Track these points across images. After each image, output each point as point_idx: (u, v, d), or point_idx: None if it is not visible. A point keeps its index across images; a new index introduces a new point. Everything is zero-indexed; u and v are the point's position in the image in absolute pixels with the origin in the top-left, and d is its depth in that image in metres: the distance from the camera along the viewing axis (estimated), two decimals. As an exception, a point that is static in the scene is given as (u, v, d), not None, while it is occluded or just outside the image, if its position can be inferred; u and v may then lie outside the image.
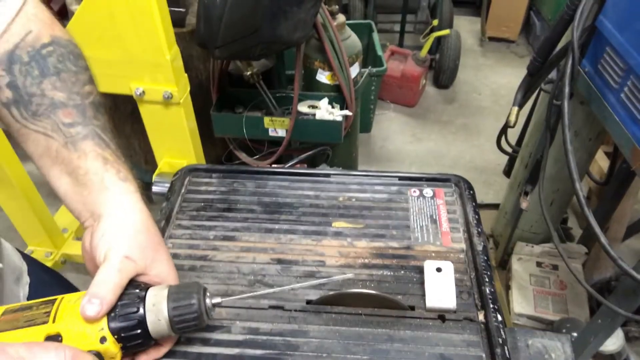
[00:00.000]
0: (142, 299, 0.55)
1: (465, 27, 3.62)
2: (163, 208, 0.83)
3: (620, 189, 1.53)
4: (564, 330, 1.51)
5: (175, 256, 0.76)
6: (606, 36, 1.11)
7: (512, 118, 1.41)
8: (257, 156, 1.91)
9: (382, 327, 0.65)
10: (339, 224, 0.80)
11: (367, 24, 2.54)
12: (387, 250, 0.76)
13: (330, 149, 1.86)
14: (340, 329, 0.65)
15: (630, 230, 1.68)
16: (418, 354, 0.62)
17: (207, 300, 0.58)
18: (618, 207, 1.56)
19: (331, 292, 0.68)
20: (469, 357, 0.62)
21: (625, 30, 1.05)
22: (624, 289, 1.13)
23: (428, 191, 0.86)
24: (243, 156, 1.91)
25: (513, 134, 1.76)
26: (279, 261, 0.75)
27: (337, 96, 1.76)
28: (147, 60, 1.36)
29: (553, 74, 1.41)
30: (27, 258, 0.83)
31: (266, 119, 1.73)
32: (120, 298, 0.55)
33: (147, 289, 0.57)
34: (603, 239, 1.01)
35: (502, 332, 0.63)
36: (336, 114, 1.72)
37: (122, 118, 1.92)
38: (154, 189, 1.40)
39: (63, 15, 1.91)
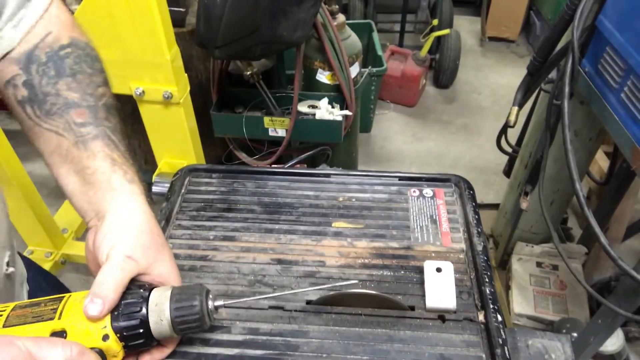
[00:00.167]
0: (146, 299, 0.56)
1: (465, 27, 3.62)
2: (163, 208, 0.83)
3: (620, 189, 1.53)
4: (564, 331, 1.51)
5: (175, 256, 0.75)
6: (606, 36, 1.11)
7: (512, 118, 1.41)
8: (257, 156, 1.91)
9: (382, 327, 0.65)
10: (339, 224, 0.80)
11: (367, 23, 2.54)
12: (387, 250, 0.76)
13: (330, 149, 1.86)
14: (340, 329, 0.65)
15: (630, 230, 1.68)
16: (418, 354, 0.62)
17: (210, 303, 0.58)
18: (618, 207, 1.55)
19: (331, 293, 0.68)
20: (469, 358, 0.62)
21: (625, 30, 1.05)
22: (624, 289, 1.13)
23: (428, 191, 0.86)
24: (243, 156, 1.91)
25: (513, 134, 1.76)
26: (279, 261, 0.75)
27: (337, 96, 1.76)
28: (147, 60, 1.37)
29: (553, 74, 1.41)
30: (26, 263, 0.83)
31: (266, 119, 1.73)
32: (124, 297, 0.55)
33: (151, 289, 0.57)
34: (603, 239, 1.01)
35: (502, 333, 0.63)
36: (336, 114, 1.72)
37: (122, 118, 1.92)
38: (154, 189, 1.40)
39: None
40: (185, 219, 0.82)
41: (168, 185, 0.89)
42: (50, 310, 0.54)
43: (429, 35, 2.88)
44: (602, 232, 1.02)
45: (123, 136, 0.65)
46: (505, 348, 0.62)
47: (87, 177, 0.60)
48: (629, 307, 1.10)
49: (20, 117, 0.63)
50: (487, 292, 0.68)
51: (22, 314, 0.54)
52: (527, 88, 1.45)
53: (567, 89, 1.11)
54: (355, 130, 2.00)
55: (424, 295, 0.68)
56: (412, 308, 0.68)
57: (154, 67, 1.38)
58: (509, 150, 1.86)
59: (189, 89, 1.49)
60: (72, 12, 0.88)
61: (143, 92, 1.43)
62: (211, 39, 1.42)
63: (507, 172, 1.91)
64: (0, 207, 0.67)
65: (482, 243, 0.75)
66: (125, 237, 0.57)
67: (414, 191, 0.86)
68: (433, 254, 0.75)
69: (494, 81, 3.19)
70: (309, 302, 0.68)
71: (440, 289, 0.67)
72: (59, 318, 0.53)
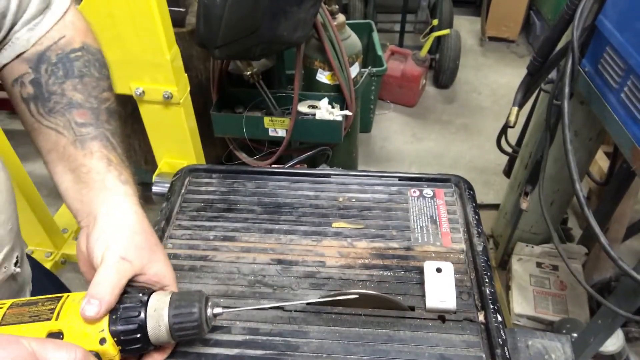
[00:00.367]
0: (145, 304, 0.55)
1: (465, 27, 3.62)
2: (163, 208, 0.83)
3: (620, 189, 1.53)
4: (564, 331, 1.51)
5: (175, 256, 0.76)
6: (606, 36, 1.11)
7: (512, 118, 1.40)
8: (257, 156, 1.91)
9: (382, 327, 0.65)
10: (339, 225, 0.80)
11: (367, 23, 2.54)
12: (387, 250, 0.76)
13: (330, 149, 1.86)
14: (340, 330, 0.65)
15: (630, 230, 1.68)
16: (418, 355, 0.62)
17: (209, 310, 0.58)
18: (618, 207, 1.55)
19: (331, 293, 0.68)
20: (469, 358, 0.62)
21: (625, 30, 1.05)
22: (624, 290, 1.13)
23: (428, 191, 0.86)
24: (243, 156, 1.91)
25: (513, 134, 1.76)
26: (279, 261, 0.75)
27: (337, 96, 1.76)
28: (147, 60, 1.36)
29: (553, 74, 1.41)
30: (31, 263, 0.83)
31: (266, 119, 1.73)
32: (122, 301, 0.55)
33: (150, 293, 0.57)
34: (603, 239, 1.01)
35: (502, 333, 0.63)
36: (336, 114, 1.72)
37: (123, 121, 1.92)
38: (154, 189, 1.40)
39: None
40: (185, 219, 0.82)
41: (168, 185, 0.89)
42: (48, 311, 0.54)
43: (429, 35, 2.88)
44: (602, 232, 1.02)
45: (122, 140, 0.66)
46: (505, 348, 0.62)
47: (82, 175, 0.60)
48: (629, 307, 1.10)
49: (23, 114, 0.64)
50: (487, 292, 0.68)
51: (19, 312, 0.54)
52: (527, 88, 1.45)
53: (567, 89, 1.11)
54: (355, 130, 2.00)
55: (424, 296, 0.68)
56: (412, 308, 0.68)
57: (154, 67, 1.38)
58: (509, 150, 1.86)
59: (189, 89, 1.49)
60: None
61: (143, 92, 1.43)
62: (211, 39, 1.42)
63: (507, 172, 1.91)
64: (12, 208, 0.67)
65: (482, 243, 0.75)
66: (119, 238, 0.57)
67: (414, 191, 0.86)
68: (433, 254, 0.75)
69: (494, 81, 3.19)
70: (309, 303, 0.68)
71: (441, 289, 0.67)
72: (57, 319, 0.53)
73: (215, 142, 2.00)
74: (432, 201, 0.84)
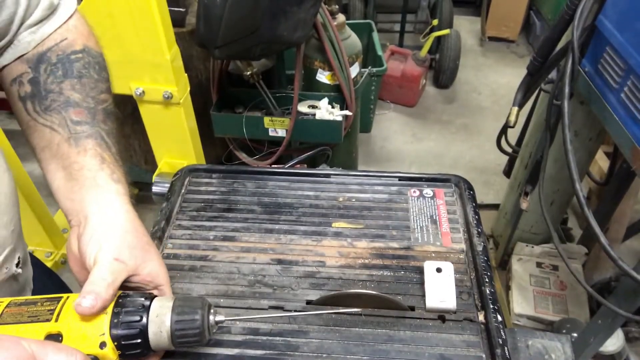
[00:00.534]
0: (147, 309, 0.55)
1: (465, 27, 3.62)
2: (163, 208, 0.83)
3: (620, 189, 1.53)
4: (564, 331, 1.51)
5: (175, 256, 0.76)
6: (606, 36, 1.11)
7: (512, 118, 1.40)
8: (257, 156, 1.91)
9: (382, 327, 0.65)
10: (339, 224, 0.80)
11: (367, 23, 2.54)
12: (387, 250, 0.76)
13: (330, 149, 1.86)
14: (340, 330, 0.65)
15: (630, 230, 1.68)
16: (418, 355, 0.62)
17: (211, 317, 0.58)
18: (618, 208, 1.55)
19: (331, 293, 0.68)
20: (469, 358, 0.62)
21: (625, 30, 1.05)
22: (624, 290, 1.13)
23: (428, 191, 0.86)
24: (243, 156, 1.91)
25: (513, 134, 1.76)
26: (279, 261, 0.75)
27: (337, 96, 1.76)
28: (147, 60, 1.37)
29: (553, 74, 1.41)
30: (33, 262, 0.83)
31: (266, 119, 1.73)
32: (124, 305, 0.54)
33: (152, 298, 0.56)
34: (603, 239, 1.01)
35: (502, 333, 0.63)
36: (336, 114, 1.72)
37: (122, 118, 1.92)
38: (154, 189, 1.40)
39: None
40: (185, 219, 0.82)
41: (168, 185, 0.89)
42: (47, 311, 0.53)
43: (429, 35, 2.88)
44: (602, 232, 1.02)
45: (118, 140, 0.66)
46: (505, 348, 0.62)
47: (74, 172, 0.60)
48: (629, 307, 1.10)
49: (19, 113, 0.64)
50: (487, 292, 0.68)
51: (18, 311, 0.53)
52: (527, 88, 1.45)
53: (567, 89, 1.11)
54: (355, 130, 2.00)
55: (424, 296, 0.68)
56: (412, 308, 0.68)
57: (154, 67, 1.38)
58: (509, 150, 1.86)
59: (189, 89, 1.49)
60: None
61: (143, 92, 1.43)
62: (211, 39, 1.42)
63: (507, 172, 1.91)
64: (15, 210, 0.67)
65: (482, 243, 0.75)
66: (111, 238, 0.57)
67: (414, 191, 0.86)
68: (433, 254, 0.75)
69: (494, 81, 3.19)
70: (309, 302, 0.68)
71: (441, 289, 0.67)
72: (56, 320, 0.52)
73: (215, 142, 2.00)
74: (432, 201, 0.84)
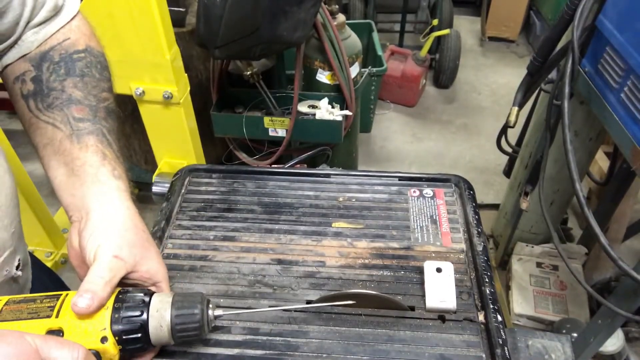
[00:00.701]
0: (147, 304, 0.56)
1: (465, 27, 3.62)
2: (163, 208, 0.83)
3: (620, 189, 1.53)
4: (564, 331, 1.51)
5: (175, 256, 0.76)
6: (606, 36, 1.11)
7: (512, 118, 1.41)
8: (257, 156, 1.91)
9: (382, 327, 0.65)
10: (339, 224, 0.80)
11: (367, 23, 2.54)
12: (387, 250, 0.76)
13: (330, 149, 1.86)
14: (340, 330, 0.65)
15: (630, 230, 1.68)
16: (418, 355, 0.62)
17: (210, 312, 0.59)
18: (618, 208, 1.55)
19: (331, 293, 0.68)
20: (469, 358, 0.62)
21: (625, 30, 1.05)
22: (624, 290, 1.13)
23: (428, 191, 0.86)
24: (243, 156, 1.91)
25: (513, 134, 1.76)
26: (279, 261, 0.75)
27: (337, 96, 1.76)
28: (147, 60, 1.37)
29: (553, 74, 1.41)
30: (32, 261, 0.83)
31: (266, 119, 1.73)
32: (125, 301, 0.55)
33: (152, 294, 0.57)
34: (603, 239, 1.01)
35: (502, 333, 0.63)
36: (336, 114, 1.72)
37: (122, 118, 1.92)
38: (154, 189, 1.40)
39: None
40: (185, 219, 0.82)
41: (168, 185, 0.89)
42: (47, 308, 0.54)
43: (429, 35, 2.88)
44: (602, 232, 1.02)
45: (119, 138, 0.67)
46: (505, 348, 0.62)
47: (76, 168, 0.61)
48: (629, 307, 1.10)
49: (22, 110, 0.65)
50: (487, 292, 0.68)
51: (17, 309, 0.54)
52: (527, 88, 1.45)
53: (567, 89, 1.11)
54: (355, 130, 2.00)
55: (424, 296, 0.68)
56: (412, 308, 0.68)
57: (154, 67, 1.38)
58: (509, 150, 1.86)
59: (189, 89, 1.49)
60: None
61: (143, 92, 1.43)
62: (211, 39, 1.42)
63: (507, 172, 1.91)
64: (16, 212, 0.68)
65: (482, 243, 0.75)
66: (111, 235, 0.58)
67: (414, 191, 0.86)
68: (433, 254, 0.75)
69: (494, 81, 3.19)
70: (309, 302, 0.68)
71: (441, 289, 0.67)
72: (57, 316, 0.53)
73: (215, 142, 2.00)
74: (432, 201, 0.84)
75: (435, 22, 2.93)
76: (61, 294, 0.56)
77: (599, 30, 1.15)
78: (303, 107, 1.73)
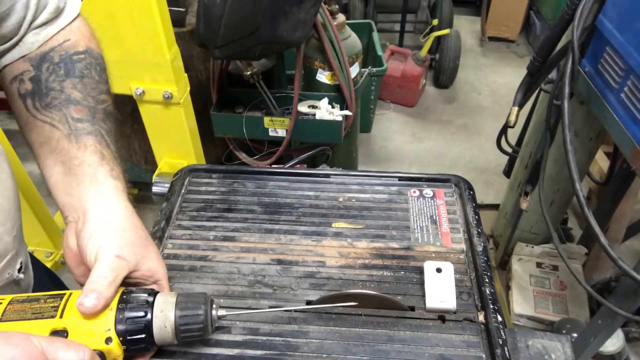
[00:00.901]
0: (151, 305, 0.56)
1: (465, 27, 3.62)
2: (163, 208, 0.83)
3: (620, 189, 1.53)
4: (564, 331, 1.51)
5: (175, 256, 0.76)
6: (606, 36, 1.11)
7: (512, 118, 1.40)
8: (257, 156, 1.91)
9: (382, 327, 0.65)
10: (339, 225, 0.80)
11: (367, 23, 2.54)
12: (387, 250, 0.76)
13: (330, 149, 1.86)
14: (340, 330, 0.65)
15: (630, 230, 1.68)
16: (418, 355, 0.62)
17: (214, 312, 0.59)
18: (618, 208, 1.55)
19: (331, 293, 0.68)
20: (469, 358, 0.62)
21: (625, 30, 1.05)
22: (624, 290, 1.13)
23: (428, 191, 0.86)
24: (243, 156, 1.91)
25: (513, 134, 1.76)
26: (279, 262, 0.75)
27: (337, 96, 1.76)
28: (147, 60, 1.37)
29: (553, 74, 1.41)
30: (32, 261, 0.83)
31: (266, 119, 1.73)
32: (129, 301, 0.55)
33: (156, 294, 0.57)
34: (603, 240, 1.01)
35: (502, 333, 0.63)
36: (336, 114, 1.72)
37: (122, 118, 1.92)
38: (154, 189, 1.40)
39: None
40: (185, 219, 0.82)
41: (168, 185, 0.89)
42: (51, 308, 0.54)
43: (429, 35, 2.88)
44: (602, 232, 1.02)
45: (116, 139, 0.67)
46: (505, 348, 0.62)
47: (73, 167, 0.61)
48: (629, 307, 1.10)
49: (18, 110, 0.65)
50: (487, 292, 0.68)
51: (21, 308, 0.54)
52: (527, 88, 1.45)
53: (567, 89, 1.11)
54: (355, 130, 2.00)
55: (424, 296, 0.68)
56: (412, 308, 0.68)
57: (154, 67, 1.38)
58: (509, 150, 1.86)
59: (189, 89, 1.49)
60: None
61: (143, 92, 1.43)
62: (211, 39, 1.42)
63: (507, 172, 1.91)
64: (17, 216, 0.68)
65: (482, 243, 0.75)
66: (111, 235, 0.58)
67: (414, 191, 0.86)
68: (433, 255, 0.75)
69: (493, 81, 3.19)
70: (309, 303, 0.68)
71: (441, 289, 0.67)
72: (61, 317, 0.53)
73: (215, 142, 2.00)
74: (432, 201, 0.84)
75: (435, 22, 2.93)
76: (64, 294, 0.56)
77: (599, 30, 1.15)
78: (303, 107, 1.73)
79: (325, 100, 1.73)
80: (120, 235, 0.58)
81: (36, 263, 0.85)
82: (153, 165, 1.68)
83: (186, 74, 1.47)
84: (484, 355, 0.62)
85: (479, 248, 0.75)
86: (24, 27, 0.63)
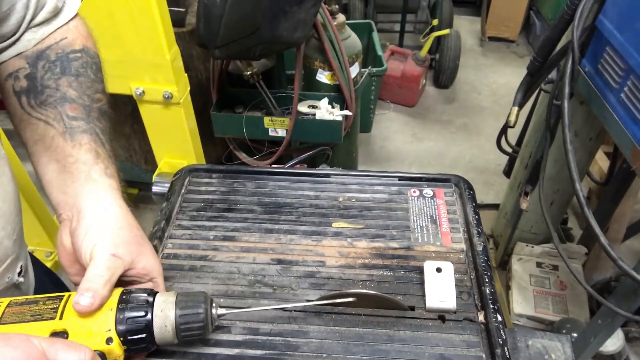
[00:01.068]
0: (151, 305, 0.56)
1: (465, 27, 3.62)
2: (163, 208, 0.83)
3: (620, 189, 1.53)
4: (564, 331, 1.51)
5: (175, 256, 0.76)
6: (606, 36, 1.11)
7: (512, 118, 1.41)
8: (257, 156, 1.91)
9: (382, 327, 0.65)
10: (339, 224, 0.80)
11: (367, 23, 2.54)
12: (387, 250, 0.76)
13: (330, 149, 1.86)
14: (340, 330, 0.65)
15: (630, 230, 1.68)
16: (418, 355, 0.62)
17: (214, 311, 0.59)
18: (618, 208, 1.55)
19: (331, 293, 0.68)
20: (469, 358, 0.62)
21: (625, 30, 1.05)
22: (624, 290, 1.13)
23: (428, 191, 0.86)
24: (243, 156, 1.91)
25: (513, 134, 1.76)
26: (279, 261, 0.75)
27: (337, 96, 1.76)
28: (147, 60, 1.37)
29: (553, 74, 1.41)
30: (32, 261, 0.83)
31: (266, 119, 1.73)
32: (129, 301, 0.55)
33: (155, 294, 0.57)
34: (603, 239, 1.01)
35: (502, 333, 0.63)
36: (336, 114, 1.72)
37: (122, 118, 1.92)
38: (154, 189, 1.40)
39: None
40: (185, 219, 0.82)
41: (168, 185, 0.89)
42: (50, 309, 0.54)
43: (429, 35, 2.88)
44: (602, 232, 1.02)
45: (111, 138, 0.67)
46: (505, 348, 0.62)
47: (68, 165, 0.61)
48: (629, 307, 1.10)
49: (13, 107, 0.65)
50: (487, 292, 0.68)
51: (20, 311, 0.54)
52: (527, 88, 1.45)
53: (567, 89, 1.11)
54: (355, 130, 2.00)
55: (424, 296, 0.68)
56: (412, 308, 0.68)
57: (154, 67, 1.38)
58: (509, 150, 1.86)
59: (189, 89, 1.49)
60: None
61: (143, 92, 1.43)
62: (211, 39, 1.42)
63: (507, 172, 1.91)
64: (18, 219, 0.68)
65: (482, 243, 0.75)
66: (106, 234, 0.58)
67: (414, 191, 0.86)
68: (433, 254, 0.75)
69: (493, 81, 3.19)
70: (308, 301, 0.68)
71: (441, 289, 0.67)
72: (60, 318, 0.53)
73: (215, 142, 2.00)
74: (432, 201, 0.84)
75: (435, 22, 2.93)
76: (63, 295, 0.56)
77: (599, 30, 1.15)
78: (303, 107, 1.73)
79: (325, 100, 1.73)
80: (115, 233, 0.58)
81: (36, 263, 0.85)
82: (153, 165, 1.68)
83: (186, 74, 1.47)
84: (484, 355, 0.62)
85: (479, 248, 0.75)
86: (23, 26, 0.63)
